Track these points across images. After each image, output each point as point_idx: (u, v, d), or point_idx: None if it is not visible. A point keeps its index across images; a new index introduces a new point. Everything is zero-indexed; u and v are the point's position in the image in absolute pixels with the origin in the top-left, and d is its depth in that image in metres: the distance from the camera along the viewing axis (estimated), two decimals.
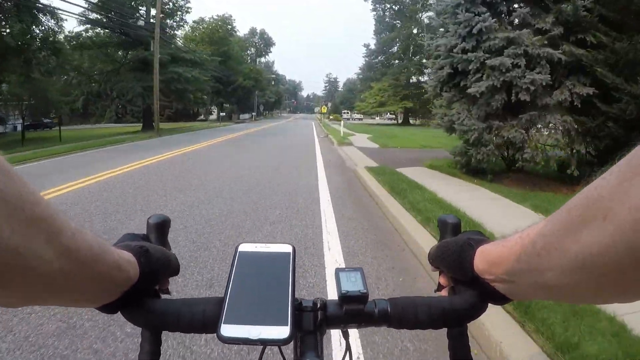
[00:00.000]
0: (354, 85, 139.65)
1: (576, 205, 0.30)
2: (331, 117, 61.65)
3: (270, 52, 74.02)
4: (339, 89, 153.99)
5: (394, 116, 75.76)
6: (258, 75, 62.40)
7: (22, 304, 0.30)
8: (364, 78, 54.57)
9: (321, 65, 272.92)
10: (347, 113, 74.84)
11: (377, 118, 72.60)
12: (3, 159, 0.25)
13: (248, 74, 53.27)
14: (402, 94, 46.86)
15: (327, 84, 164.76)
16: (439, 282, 0.55)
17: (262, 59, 77.92)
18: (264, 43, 73.16)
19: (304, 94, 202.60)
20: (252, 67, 56.99)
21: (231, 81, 47.97)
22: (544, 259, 0.33)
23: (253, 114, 57.08)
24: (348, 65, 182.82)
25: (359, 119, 72.27)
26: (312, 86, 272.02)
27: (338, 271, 0.48)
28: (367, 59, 55.77)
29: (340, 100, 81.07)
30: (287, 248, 0.50)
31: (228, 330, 0.40)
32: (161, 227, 0.54)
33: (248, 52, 68.99)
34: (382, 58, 53.61)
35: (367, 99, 48.28)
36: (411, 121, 52.40)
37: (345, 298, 0.45)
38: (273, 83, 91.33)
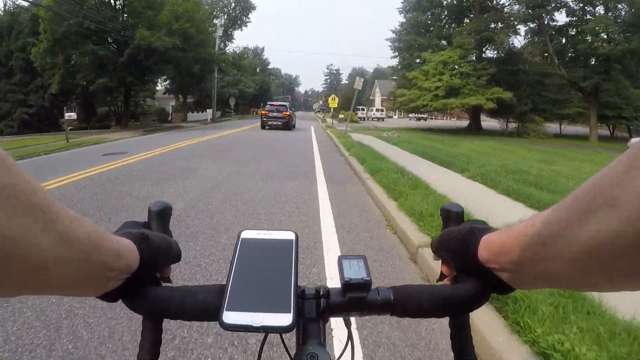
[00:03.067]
0: (362, 75, 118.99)
1: (583, 193, 0.30)
2: (341, 115, 39.20)
3: (249, 20, 51.37)
4: (343, 82, 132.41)
5: (424, 116, 53.69)
6: (227, 58, 39.97)
7: (18, 293, 0.30)
8: (405, 51, 31.49)
9: (320, 59, 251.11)
10: (363, 110, 52.23)
11: (410, 116, 50.29)
12: None
13: (210, 55, 30.90)
14: (486, 73, 24.47)
15: (327, 77, 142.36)
16: (441, 272, 0.54)
17: (238, 31, 54.76)
18: (241, 7, 50.36)
19: (302, 89, 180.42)
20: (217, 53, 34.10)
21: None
22: (550, 248, 0.33)
23: (206, 115, 33.83)
24: (353, 59, 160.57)
25: (378, 118, 49.66)
26: (311, 82, 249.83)
27: (341, 258, 0.47)
28: (404, 23, 32.82)
29: (345, 94, 58.90)
30: (289, 235, 0.49)
31: (230, 317, 0.40)
32: (163, 214, 0.53)
33: (217, 20, 46.47)
34: (433, 14, 31.10)
35: (419, 82, 25.58)
36: (479, 125, 30.21)
37: (348, 286, 0.45)
38: (258, 70, 68.85)
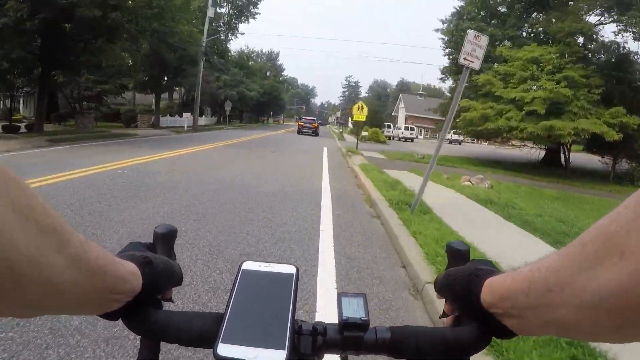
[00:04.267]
0: (383, 88, 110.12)
1: (591, 239, 0.29)
2: (364, 133, 30.37)
3: (258, 12, 42.38)
4: (362, 95, 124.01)
5: (459, 138, 44.62)
6: (225, 50, 31.58)
7: (36, 313, 0.31)
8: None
9: (338, 71, 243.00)
10: (389, 128, 43.34)
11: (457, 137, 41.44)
12: (14, 173, 0.25)
13: (194, 40, 22.58)
14: (597, 84, 15.46)
15: (345, 89, 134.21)
16: (443, 310, 0.53)
17: (244, 24, 46.03)
18: None
19: (318, 101, 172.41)
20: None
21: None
22: (557, 295, 0.32)
23: (185, 121, 25.19)
24: (370, 72, 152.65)
25: (407, 139, 40.87)
26: (327, 94, 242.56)
27: (341, 296, 0.48)
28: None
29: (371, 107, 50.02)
30: (290, 269, 0.49)
31: (225, 349, 0.40)
32: (167, 237, 0.54)
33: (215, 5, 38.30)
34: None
35: (496, 91, 16.55)
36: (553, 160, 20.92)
37: (345, 324, 0.45)
38: (269, 74, 60.57)
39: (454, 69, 23.47)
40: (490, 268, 0.46)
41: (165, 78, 24.02)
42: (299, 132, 33.30)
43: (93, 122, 18.99)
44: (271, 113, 66.93)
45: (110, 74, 22.68)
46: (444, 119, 6.73)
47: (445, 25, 24.28)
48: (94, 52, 15.85)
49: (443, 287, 0.51)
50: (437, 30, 24.55)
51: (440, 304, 0.53)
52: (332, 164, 11.77)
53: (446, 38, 23.68)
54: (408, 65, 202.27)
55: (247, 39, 77.20)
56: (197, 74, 25.41)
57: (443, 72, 24.93)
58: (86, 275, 0.32)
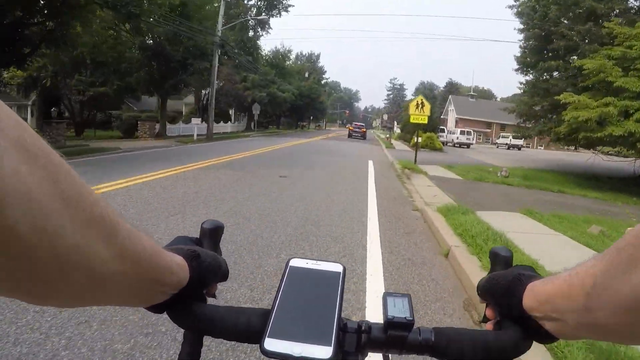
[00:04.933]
0: (430, 90, 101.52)
1: (626, 245, 0.30)
2: (420, 138, 24.73)
3: (291, 4, 37.16)
4: (407, 98, 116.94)
5: (519, 142, 37.81)
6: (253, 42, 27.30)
7: (81, 303, 0.31)
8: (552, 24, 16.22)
9: (382, 74, 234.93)
10: (443, 132, 37.23)
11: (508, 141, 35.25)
12: (63, 160, 0.26)
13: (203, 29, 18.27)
14: None
15: (390, 92, 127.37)
16: (484, 314, 0.53)
17: (276, 18, 40.62)
18: None
19: (362, 105, 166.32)
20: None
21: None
22: (594, 299, 0.33)
23: (196, 128, 20.41)
24: (416, 74, 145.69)
25: (462, 144, 35.07)
26: (371, 98, 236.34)
27: (386, 295, 0.48)
28: None
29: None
30: (337, 267, 0.50)
31: (272, 344, 0.40)
32: (215, 232, 0.54)
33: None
34: None
35: (613, 79, 10.59)
36: None
37: (390, 324, 0.45)
38: (308, 75, 55.84)
39: (534, 57, 17.38)
40: (532, 273, 0.46)
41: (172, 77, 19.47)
42: (350, 135, 37.44)
43: (64, 133, 14.57)
44: (311, 118, 62.01)
45: (106, 73, 18.58)
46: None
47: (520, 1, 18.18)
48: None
49: (486, 291, 0.51)
50: (510, 7, 18.55)
51: None
52: (383, 204, 6.37)
53: (526, 13, 17.58)
54: (456, 66, 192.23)
55: (283, 37, 72.02)
56: (211, 71, 20.82)
57: (520, 61, 18.68)
58: (132, 265, 0.32)
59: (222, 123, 29.71)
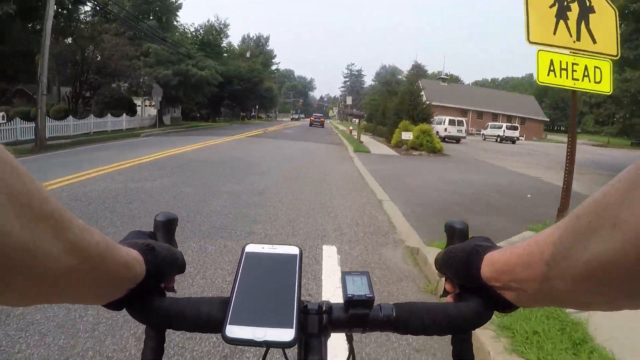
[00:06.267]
0: (392, 75, 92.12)
1: (584, 212, 0.30)
2: (405, 136, 15.80)
3: None
4: (366, 85, 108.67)
5: (514, 135, 30.67)
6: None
7: (31, 302, 0.30)
8: None
9: (338, 61, 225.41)
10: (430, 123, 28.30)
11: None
12: (12, 156, 0.25)
13: None
14: None
15: (347, 78, 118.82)
16: (444, 288, 0.54)
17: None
18: None
19: (316, 94, 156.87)
20: None
21: None
22: (553, 267, 0.33)
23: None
24: (376, 58, 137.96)
25: (453, 138, 26.55)
26: (327, 86, 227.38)
27: (344, 274, 0.48)
28: None
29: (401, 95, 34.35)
30: (294, 250, 0.50)
31: (233, 331, 0.41)
32: (168, 225, 0.53)
33: None
34: None
35: None
36: None
37: (350, 302, 0.45)
38: (249, 55, 45.74)
39: None
40: (489, 244, 0.46)
41: None
42: (311, 124, 42.43)
43: None
44: (257, 107, 51.89)
45: None
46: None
47: None
48: None
49: (444, 264, 0.51)
50: None
51: None
52: None
53: None
54: (421, 49, 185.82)
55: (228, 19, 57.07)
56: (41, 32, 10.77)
57: None
58: (85, 261, 0.31)
59: (111, 117, 19.49)
